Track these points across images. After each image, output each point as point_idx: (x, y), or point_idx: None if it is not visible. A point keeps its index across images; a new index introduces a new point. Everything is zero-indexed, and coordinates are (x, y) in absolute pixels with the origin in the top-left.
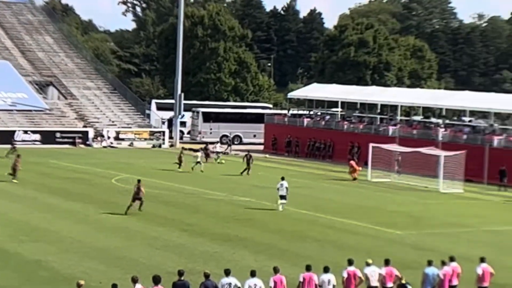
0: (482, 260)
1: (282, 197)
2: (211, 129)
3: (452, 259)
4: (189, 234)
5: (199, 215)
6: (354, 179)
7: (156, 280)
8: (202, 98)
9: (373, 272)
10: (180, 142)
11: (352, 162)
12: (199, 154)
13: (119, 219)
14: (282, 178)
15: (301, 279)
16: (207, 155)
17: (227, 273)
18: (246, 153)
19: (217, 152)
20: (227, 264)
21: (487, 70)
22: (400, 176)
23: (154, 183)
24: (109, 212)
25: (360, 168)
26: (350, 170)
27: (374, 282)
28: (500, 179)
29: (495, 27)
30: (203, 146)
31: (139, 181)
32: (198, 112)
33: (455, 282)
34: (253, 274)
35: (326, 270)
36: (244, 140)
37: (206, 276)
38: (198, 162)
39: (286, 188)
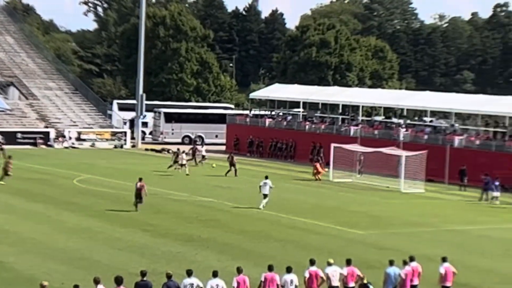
0: (444, 259)
1: (265, 196)
2: (173, 129)
3: (412, 259)
4: (152, 234)
5: (162, 216)
6: (317, 179)
7: (118, 280)
8: (164, 98)
9: (335, 272)
10: (142, 143)
11: (316, 164)
12: (184, 156)
13: (81, 219)
14: (266, 177)
15: (263, 279)
16: (193, 156)
17: (189, 273)
18: (229, 154)
19: (203, 156)
20: (190, 264)
21: (448, 70)
22: (362, 176)
23: (117, 184)
24: (71, 212)
25: (326, 170)
26: (314, 172)
27: (336, 282)
28: (460, 179)
29: (455, 28)
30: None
31: (140, 179)
32: (160, 113)
33: (416, 281)
34: (215, 274)
35: (288, 270)
36: (206, 141)
37: (168, 276)
38: (183, 165)
39: (270, 187)
